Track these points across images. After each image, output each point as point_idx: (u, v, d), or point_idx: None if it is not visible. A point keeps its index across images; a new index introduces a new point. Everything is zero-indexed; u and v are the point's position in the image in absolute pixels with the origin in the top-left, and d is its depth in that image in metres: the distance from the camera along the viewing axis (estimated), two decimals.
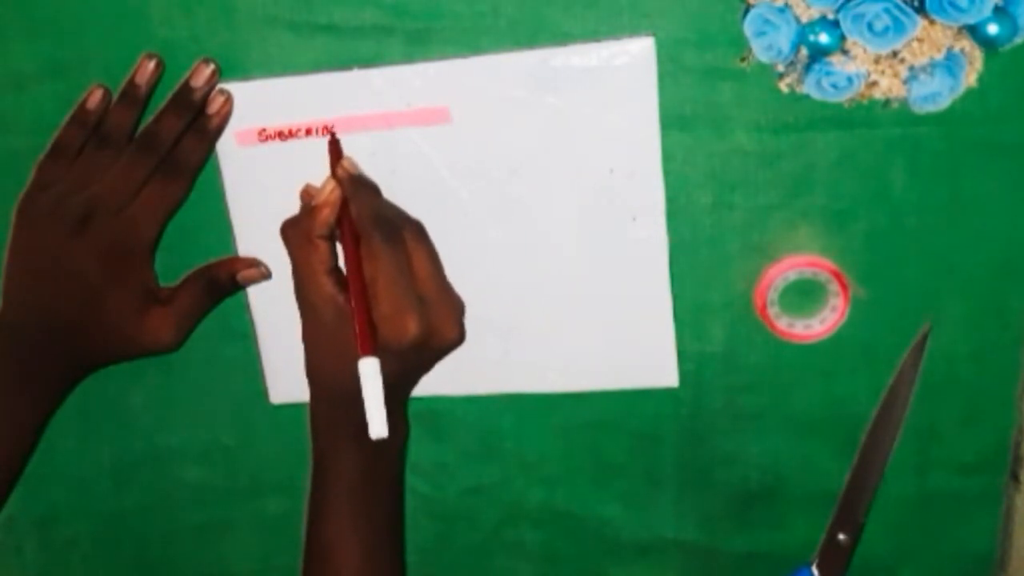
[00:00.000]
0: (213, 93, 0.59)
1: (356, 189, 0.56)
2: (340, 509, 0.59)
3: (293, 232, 0.57)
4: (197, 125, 0.60)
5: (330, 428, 0.59)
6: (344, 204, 0.56)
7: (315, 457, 0.60)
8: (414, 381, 0.61)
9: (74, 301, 0.59)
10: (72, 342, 0.60)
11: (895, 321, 0.60)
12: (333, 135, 0.59)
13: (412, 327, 0.54)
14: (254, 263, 0.62)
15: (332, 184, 0.57)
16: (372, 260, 0.55)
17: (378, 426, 0.53)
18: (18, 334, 0.60)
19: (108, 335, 0.60)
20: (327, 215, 0.56)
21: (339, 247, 0.57)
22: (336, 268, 0.56)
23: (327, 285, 0.56)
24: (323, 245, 0.56)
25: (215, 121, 0.60)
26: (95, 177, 0.59)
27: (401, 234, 0.56)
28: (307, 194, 0.59)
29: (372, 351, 0.53)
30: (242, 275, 0.62)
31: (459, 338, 0.58)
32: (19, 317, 0.60)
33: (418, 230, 0.57)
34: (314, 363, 0.58)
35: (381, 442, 0.53)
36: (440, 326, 0.56)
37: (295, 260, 0.57)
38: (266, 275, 0.62)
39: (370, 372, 0.53)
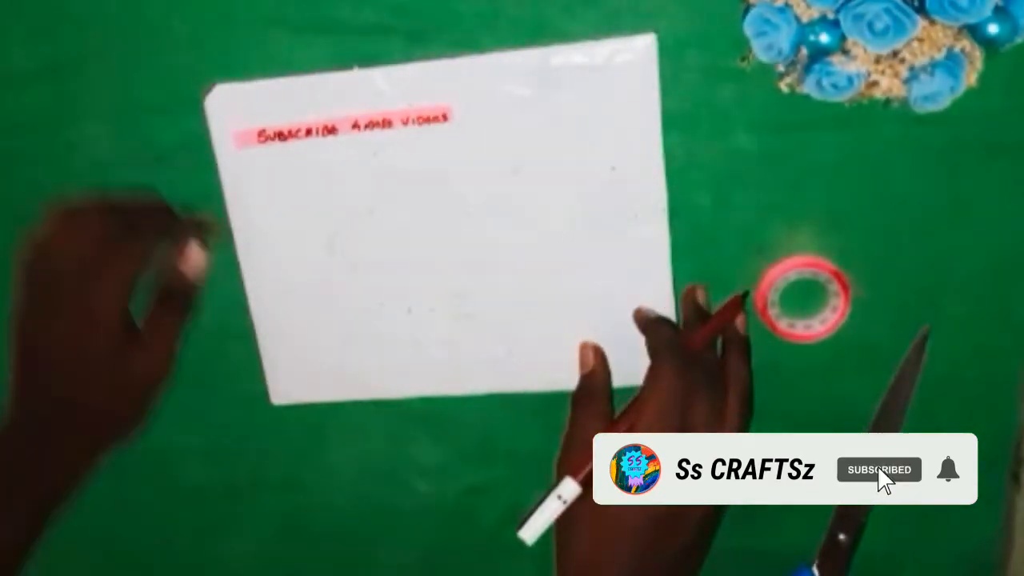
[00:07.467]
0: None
1: (746, 348, 0.58)
2: None
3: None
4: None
5: None
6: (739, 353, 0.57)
7: None
8: None
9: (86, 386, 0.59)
10: (94, 421, 0.60)
11: (895, 321, 0.60)
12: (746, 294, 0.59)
13: None
14: (185, 237, 0.61)
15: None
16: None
17: (530, 535, 0.57)
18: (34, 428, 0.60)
19: (119, 397, 0.60)
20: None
21: None
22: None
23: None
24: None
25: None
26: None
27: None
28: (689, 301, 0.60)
29: (583, 481, 0.55)
30: (185, 268, 0.61)
31: None
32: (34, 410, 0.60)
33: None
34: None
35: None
36: None
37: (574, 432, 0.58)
38: (207, 240, 0.61)
39: (567, 494, 0.56)
